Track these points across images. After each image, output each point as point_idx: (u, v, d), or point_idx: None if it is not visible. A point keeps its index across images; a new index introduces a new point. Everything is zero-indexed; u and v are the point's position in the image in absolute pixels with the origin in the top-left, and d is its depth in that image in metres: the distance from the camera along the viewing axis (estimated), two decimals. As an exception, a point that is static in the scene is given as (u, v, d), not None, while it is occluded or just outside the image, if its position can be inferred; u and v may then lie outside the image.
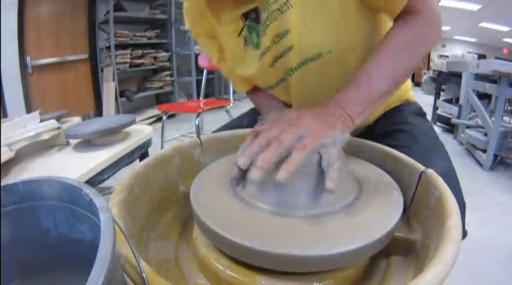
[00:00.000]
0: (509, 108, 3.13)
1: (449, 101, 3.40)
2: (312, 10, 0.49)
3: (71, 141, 1.20)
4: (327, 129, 0.39)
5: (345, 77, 0.51)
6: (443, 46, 9.89)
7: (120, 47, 3.17)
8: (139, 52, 3.36)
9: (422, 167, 0.44)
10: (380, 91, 0.46)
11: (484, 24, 6.68)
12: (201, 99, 2.32)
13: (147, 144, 1.31)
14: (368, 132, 0.67)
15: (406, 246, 0.40)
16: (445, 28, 8.03)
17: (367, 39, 0.55)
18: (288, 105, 0.68)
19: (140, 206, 0.42)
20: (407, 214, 0.44)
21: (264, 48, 0.55)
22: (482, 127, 2.41)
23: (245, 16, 0.57)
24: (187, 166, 0.52)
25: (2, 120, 1.23)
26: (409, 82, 0.74)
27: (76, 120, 1.55)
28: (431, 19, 0.48)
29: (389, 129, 0.64)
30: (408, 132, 0.59)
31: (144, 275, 0.33)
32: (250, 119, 0.74)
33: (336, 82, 0.53)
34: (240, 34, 0.58)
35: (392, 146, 0.50)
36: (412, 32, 0.47)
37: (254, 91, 0.73)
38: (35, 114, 1.21)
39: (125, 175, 0.42)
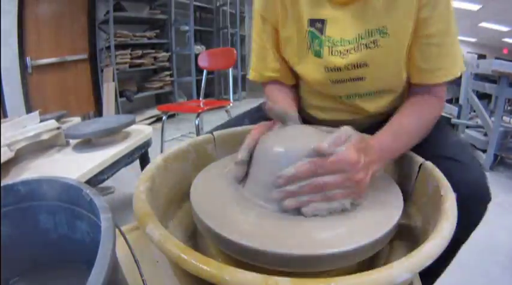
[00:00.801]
0: (509, 108, 3.13)
1: (449, 101, 3.40)
2: (390, 53, 0.57)
3: (70, 141, 1.20)
4: (364, 186, 0.39)
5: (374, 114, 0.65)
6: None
7: (120, 47, 3.17)
8: (139, 52, 3.36)
9: (421, 160, 0.47)
10: (398, 152, 0.50)
11: (484, 24, 6.68)
12: (201, 99, 2.32)
13: (147, 144, 1.31)
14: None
15: (408, 232, 0.42)
16: (445, 28, 7.99)
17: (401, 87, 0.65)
18: (302, 109, 0.72)
19: (160, 197, 0.44)
20: (408, 203, 0.46)
21: (334, 66, 0.61)
22: (482, 127, 2.41)
23: (311, 22, 0.62)
24: (201, 160, 0.54)
25: (2, 120, 1.23)
26: None
27: (76, 120, 1.55)
28: (442, 101, 0.60)
29: None
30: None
31: (144, 277, 0.33)
32: (253, 118, 0.74)
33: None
34: (305, 37, 0.63)
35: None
36: (432, 114, 0.57)
37: (271, 87, 0.72)
38: (35, 114, 1.21)
39: (147, 166, 0.45)
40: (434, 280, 0.60)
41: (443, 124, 0.65)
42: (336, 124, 0.46)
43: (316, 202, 0.37)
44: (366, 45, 0.57)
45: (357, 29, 0.58)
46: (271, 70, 0.69)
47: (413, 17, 0.54)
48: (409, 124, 0.53)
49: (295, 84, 0.73)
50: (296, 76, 0.71)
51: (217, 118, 2.53)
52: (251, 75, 0.74)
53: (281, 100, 0.66)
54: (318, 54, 0.62)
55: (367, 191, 0.40)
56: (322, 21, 0.60)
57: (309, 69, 0.64)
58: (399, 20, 0.55)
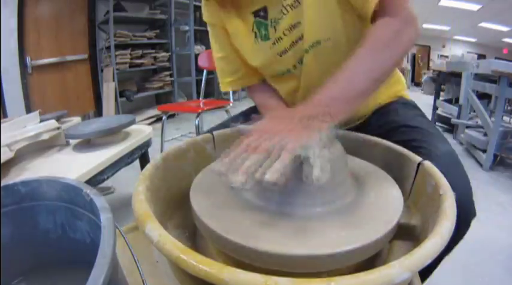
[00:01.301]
0: (509, 108, 3.13)
1: (449, 101, 3.40)
2: (316, 5, 0.58)
3: (70, 141, 1.20)
4: (307, 132, 0.39)
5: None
6: (443, 46, 9.89)
7: (120, 47, 3.17)
8: (139, 52, 3.35)
9: (419, 159, 0.47)
10: (359, 90, 0.47)
11: (484, 24, 6.68)
12: (201, 99, 2.32)
13: (147, 144, 1.31)
14: (366, 127, 0.71)
15: (407, 231, 0.42)
16: (445, 28, 8.03)
17: (357, 34, 0.61)
18: (287, 104, 0.71)
19: (159, 196, 0.44)
20: (407, 203, 0.46)
21: (275, 38, 0.64)
22: (482, 127, 2.41)
23: (255, 14, 0.65)
24: (200, 160, 0.54)
25: (2, 120, 1.23)
26: (401, 82, 0.78)
27: (76, 120, 1.55)
28: (408, 20, 0.50)
29: (390, 126, 0.67)
30: (410, 126, 0.63)
31: (143, 278, 0.33)
32: (247, 118, 0.74)
33: (334, 70, 0.53)
34: (252, 30, 0.66)
35: (397, 142, 0.54)
36: (390, 31, 0.49)
37: (254, 90, 0.75)
38: (35, 114, 1.21)
39: (146, 166, 0.45)
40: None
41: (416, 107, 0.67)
42: None
43: (251, 160, 0.35)
44: (290, 6, 0.60)
45: None
46: (238, 73, 0.73)
47: None
48: (367, 41, 0.49)
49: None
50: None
51: (217, 118, 2.53)
52: (222, 87, 0.77)
53: (268, 101, 0.70)
54: (266, 38, 0.66)
55: (315, 137, 0.38)
56: (265, 9, 0.64)
57: (259, 56, 0.67)
58: None
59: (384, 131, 0.66)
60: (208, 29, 0.75)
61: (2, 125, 1.08)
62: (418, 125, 0.62)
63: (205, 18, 0.73)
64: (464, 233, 0.51)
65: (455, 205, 0.35)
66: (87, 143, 1.18)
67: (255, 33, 0.66)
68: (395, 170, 0.50)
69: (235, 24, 0.67)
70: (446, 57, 8.84)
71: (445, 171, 0.44)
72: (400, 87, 0.77)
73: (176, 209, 0.49)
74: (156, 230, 0.31)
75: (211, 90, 4.45)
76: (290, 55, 0.65)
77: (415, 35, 0.51)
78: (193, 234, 0.46)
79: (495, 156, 2.14)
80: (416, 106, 0.74)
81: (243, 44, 0.68)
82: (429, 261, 0.27)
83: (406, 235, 0.42)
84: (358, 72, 0.47)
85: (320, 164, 0.34)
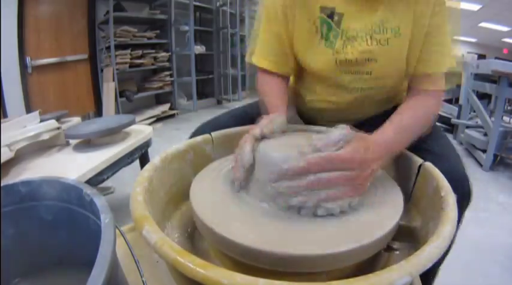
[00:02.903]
0: (509, 108, 3.13)
1: (449, 101, 3.40)
2: (399, 53, 0.60)
3: (70, 141, 1.20)
4: (365, 187, 0.40)
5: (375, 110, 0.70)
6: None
7: (120, 47, 3.17)
8: (139, 52, 3.35)
9: (420, 160, 0.47)
10: (403, 145, 0.51)
11: (484, 24, 6.67)
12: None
13: (146, 144, 1.31)
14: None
15: (408, 233, 0.42)
16: (445, 28, 7.98)
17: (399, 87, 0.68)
18: (300, 110, 0.74)
19: (158, 197, 0.44)
20: (409, 204, 0.46)
21: (345, 59, 0.62)
22: (482, 127, 2.41)
23: (323, 9, 0.63)
24: (199, 161, 0.54)
25: (2, 120, 1.23)
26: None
27: (76, 120, 1.55)
28: (439, 102, 0.61)
29: None
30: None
31: (143, 279, 0.33)
32: (238, 117, 0.74)
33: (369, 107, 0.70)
34: (316, 29, 0.63)
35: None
36: (423, 115, 0.56)
37: (268, 81, 0.71)
38: (35, 114, 1.21)
39: (145, 167, 0.45)
40: (432, 280, 0.60)
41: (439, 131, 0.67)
42: (333, 123, 0.46)
43: (319, 200, 0.36)
44: (378, 41, 0.59)
45: (372, 24, 0.59)
46: (274, 56, 0.69)
47: (427, 23, 0.57)
48: (408, 119, 0.54)
49: (288, 77, 0.74)
50: (296, 68, 0.71)
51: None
52: (251, 58, 0.72)
53: (275, 101, 0.65)
54: (331, 45, 0.63)
55: (366, 190, 0.40)
56: (340, 15, 0.61)
57: (318, 59, 0.64)
58: (411, 22, 0.57)
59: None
60: (261, 8, 0.70)
61: (2, 125, 1.08)
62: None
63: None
64: (462, 210, 0.52)
65: (456, 207, 0.35)
66: (87, 144, 1.18)
67: (321, 32, 0.63)
68: (397, 171, 0.50)
69: (299, 18, 0.64)
70: (446, 57, 8.80)
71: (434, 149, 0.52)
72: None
73: (175, 209, 0.49)
74: (153, 232, 0.31)
75: (211, 90, 4.46)
76: (352, 79, 0.64)
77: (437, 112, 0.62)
78: (193, 234, 0.46)
79: (495, 156, 2.14)
80: None
81: (303, 37, 0.65)
82: (430, 265, 0.27)
83: (407, 236, 0.42)
84: (410, 130, 0.52)
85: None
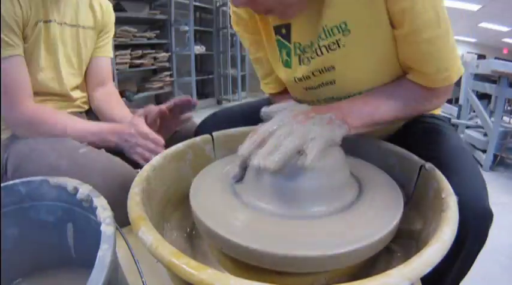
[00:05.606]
0: (509, 108, 3.13)
1: (449, 101, 3.40)
2: (357, 52, 0.52)
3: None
4: (320, 127, 0.41)
5: None
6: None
7: (119, 47, 3.17)
8: (139, 52, 3.35)
9: (421, 161, 0.46)
10: (380, 120, 0.50)
11: (483, 24, 6.68)
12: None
13: (147, 144, 1.31)
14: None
15: (409, 235, 0.42)
16: (444, 28, 7.98)
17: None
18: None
19: (156, 198, 0.44)
20: (409, 206, 0.46)
21: (302, 76, 0.58)
22: (482, 127, 2.41)
23: (276, 29, 0.59)
24: (199, 161, 0.54)
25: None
26: None
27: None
28: (446, 96, 0.54)
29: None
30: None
31: (143, 279, 0.33)
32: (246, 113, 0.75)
33: None
34: (274, 45, 0.61)
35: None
36: (425, 95, 0.51)
37: (279, 97, 0.73)
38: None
39: (143, 167, 0.45)
40: None
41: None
42: None
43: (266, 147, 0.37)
44: (326, 47, 0.52)
45: (316, 29, 0.52)
46: (269, 78, 0.71)
47: (383, 8, 0.46)
48: (405, 91, 0.51)
49: None
50: None
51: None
52: (266, 88, 0.74)
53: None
54: (287, 65, 0.60)
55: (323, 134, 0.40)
56: (288, 26, 0.56)
57: (283, 78, 0.64)
58: (360, 13, 0.48)
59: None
60: (241, 38, 0.70)
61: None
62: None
63: (233, 24, 0.68)
64: (482, 239, 0.46)
65: (457, 209, 0.34)
66: (87, 144, 1.17)
67: (278, 53, 0.60)
68: (397, 172, 0.49)
69: (260, 37, 0.63)
70: (446, 57, 8.80)
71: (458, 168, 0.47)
72: None
73: (174, 210, 0.49)
74: (149, 233, 0.30)
75: (211, 90, 4.46)
76: (319, 92, 0.59)
77: (439, 104, 0.56)
78: (192, 235, 0.46)
79: (495, 156, 2.14)
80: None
81: (269, 56, 0.65)
82: (429, 269, 0.26)
83: (408, 238, 0.42)
84: (387, 106, 0.50)
85: (315, 154, 0.36)
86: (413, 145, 0.54)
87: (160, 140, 0.62)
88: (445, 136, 0.58)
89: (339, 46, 0.52)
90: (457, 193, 0.37)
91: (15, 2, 0.62)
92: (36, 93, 0.69)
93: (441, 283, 0.50)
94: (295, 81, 0.59)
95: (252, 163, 0.37)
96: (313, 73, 0.57)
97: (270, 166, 0.35)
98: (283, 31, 0.57)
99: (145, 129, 0.63)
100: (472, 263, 0.50)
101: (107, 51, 0.89)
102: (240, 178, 0.44)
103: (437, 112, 0.70)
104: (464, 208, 0.37)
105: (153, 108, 0.68)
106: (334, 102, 0.56)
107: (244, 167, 0.43)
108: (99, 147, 0.64)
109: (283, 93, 0.72)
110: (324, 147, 0.38)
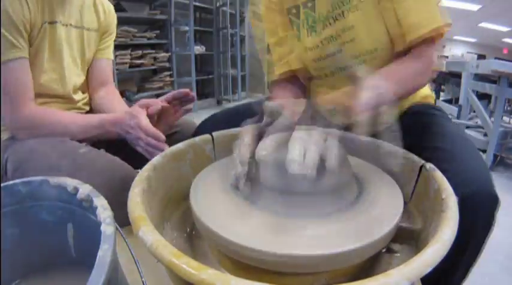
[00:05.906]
0: (509, 108, 3.13)
1: (449, 101, 3.40)
2: (370, 15, 0.62)
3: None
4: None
5: None
6: (443, 46, 9.88)
7: (119, 47, 3.17)
8: (139, 52, 3.35)
9: (422, 161, 0.46)
10: (382, 101, 0.48)
11: (483, 24, 6.68)
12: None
13: (147, 144, 1.31)
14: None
15: (409, 235, 0.42)
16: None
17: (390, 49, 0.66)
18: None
19: (156, 197, 0.44)
20: (409, 206, 0.46)
21: (313, 45, 0.67)
22: (482, 127, 2.41)
23: (288, 11, 0.71)
24: (199, 161, 0.54)
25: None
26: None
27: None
28: (430, 65, 0.60)
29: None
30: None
31: (143, 279, 0.33)
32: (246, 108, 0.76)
33: None
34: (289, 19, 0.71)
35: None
36: (417, 68, 0.58)
37: (278, 86, 0.76)
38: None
39: (144, 167, 0.45)
40: None
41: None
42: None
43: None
44: (334, 17, 0.64)
45: (326, 4, 0.65)
46: (292, 54, 0.73)
47: None
48: (389, 69, 0.56)
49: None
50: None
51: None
52: (277, 70, 0.76)
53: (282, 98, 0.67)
54: (297, 37, 0.70)
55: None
56: (297, 7, 0.69)
57: (297, 53, 0.71)
58: None
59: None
60: (262, 12, 0.77)
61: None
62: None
63: (264, 10, 0.75)
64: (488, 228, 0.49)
65: (457, 210, 0.34)
66: (87, 144, 1.17)
67: (294, 28, 0.71)
68: (397, 172, 0.48)
69: (278, 18, 0.73)
70: (446, 57, 8.82)
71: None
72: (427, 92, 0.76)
73: (174, 210, 0.49)
74: (149, 234, 0.30)
75: (211, 91, 4.46)
76: (328, 63, 0.68)
77: (430, 76, 0.62)
78: (192, 235, 0.46)
79: (495, 156, 2.14)
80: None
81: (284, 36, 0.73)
82: (429, 269, 0.26)
83: (409, 238, 0.42)
84: (385, 86, 0.51)
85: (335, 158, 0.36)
86: (414, 136, 0.54)
87: (161, 135, 0.62)
88: (444, 126, 0.61)
89: (343, 16, 0.64)
90: (462, 178, 0.38)
91: (23, 3, 0.61)
92: (38, 95, 0.69)
93: (449, 277, 0.52)
94: (305, 51, 0.68)
95: (293, 171, 0.35)
96: (322, 43, 0.66)
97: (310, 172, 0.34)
98: (293, 11, 0.70)
99: (146, 123, 0.62)
100: (481, 248, 0.52)
101: (109, 53, 0.90)
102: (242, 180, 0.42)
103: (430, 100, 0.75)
104: (470, 192, 0.40)
105: (155, 102, 0.67)
106: (340, 73, 0.67)
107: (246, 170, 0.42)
108: (101, 141, 0.64)
109: (289, 80, 0.76)
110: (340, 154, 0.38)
